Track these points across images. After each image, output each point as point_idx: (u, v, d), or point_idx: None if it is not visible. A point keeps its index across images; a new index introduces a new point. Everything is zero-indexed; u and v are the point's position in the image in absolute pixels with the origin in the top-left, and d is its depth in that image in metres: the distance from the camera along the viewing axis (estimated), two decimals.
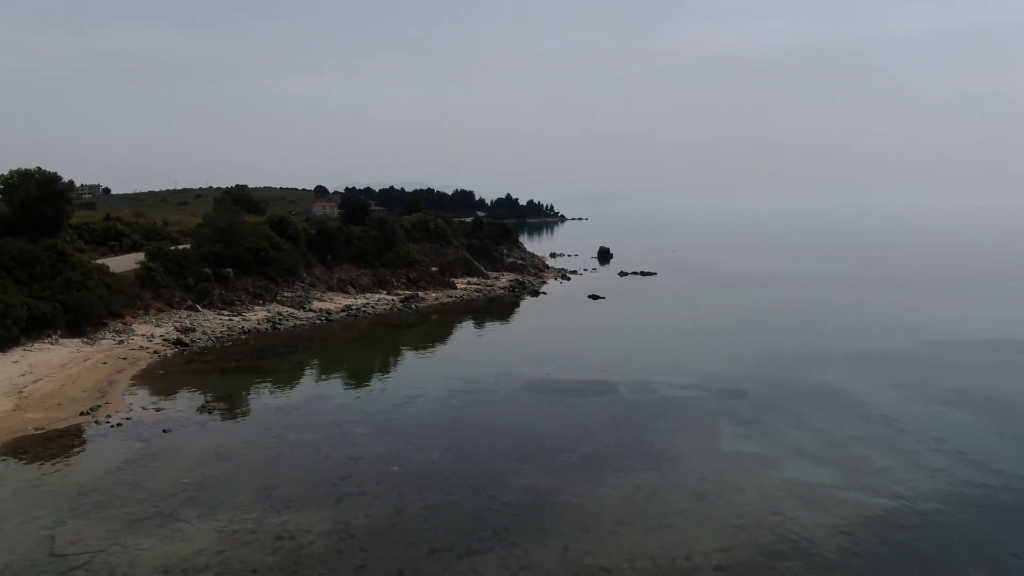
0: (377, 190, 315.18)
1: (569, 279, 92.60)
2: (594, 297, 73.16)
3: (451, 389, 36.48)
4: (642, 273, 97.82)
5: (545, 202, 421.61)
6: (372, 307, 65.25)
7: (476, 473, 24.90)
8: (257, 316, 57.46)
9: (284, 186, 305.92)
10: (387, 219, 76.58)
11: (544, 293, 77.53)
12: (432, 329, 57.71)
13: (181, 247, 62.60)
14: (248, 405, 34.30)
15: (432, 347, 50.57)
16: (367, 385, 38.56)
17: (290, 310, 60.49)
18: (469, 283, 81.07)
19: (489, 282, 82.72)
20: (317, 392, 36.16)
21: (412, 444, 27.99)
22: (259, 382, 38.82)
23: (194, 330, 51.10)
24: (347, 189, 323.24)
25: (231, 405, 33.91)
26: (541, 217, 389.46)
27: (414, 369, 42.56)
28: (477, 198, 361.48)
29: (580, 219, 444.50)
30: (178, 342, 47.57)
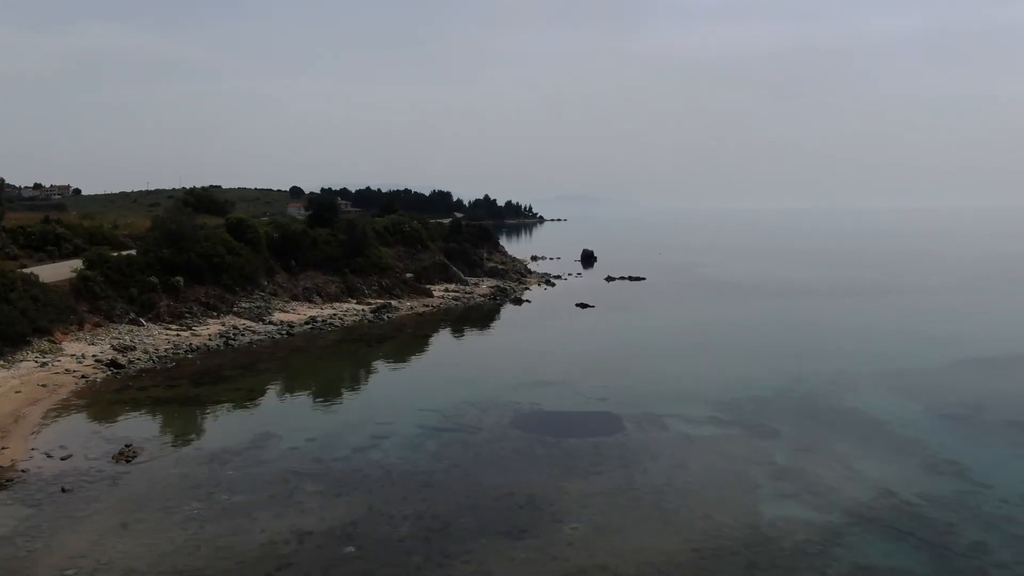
0: (354, 191, 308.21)
1: (554, 285, 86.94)
2: (582, 306, 67.51)
3: (425, 426, 30.62)
4: (630, 278, 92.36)
5: (523, 203, 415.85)
6: (340, 318, 59.20)
7: (456, 559, 19.05)
8: (209, 330, 51.28)
9: (260, 187, 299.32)
10: (357, 221, 70.51)
11: (528, 301, 71.78)
12: (405, 345, 51.74)
13: (126, 253, 56.24)
14: (178, 450, 28.20)
15: (405, 368, 44.63)
16: (326, 420, 32.47)
17: (247, 323, 54.32)
18: (447, 290, 75.21)
19: (468, 289, 76.87)
20: (265, 430, 30.11)
21: (375, 509, 22.10)
22: (198, 416, 32.77)
23: (134, 348, 44.89)
24: (323, 190, 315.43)
25: (156, 451, 27.81)
26: (519, 218, 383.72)
27: (383, 398, 36.54)
28: (455, 199, 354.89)
29: (559, 220, 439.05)
30: (112, 363, 41.34)
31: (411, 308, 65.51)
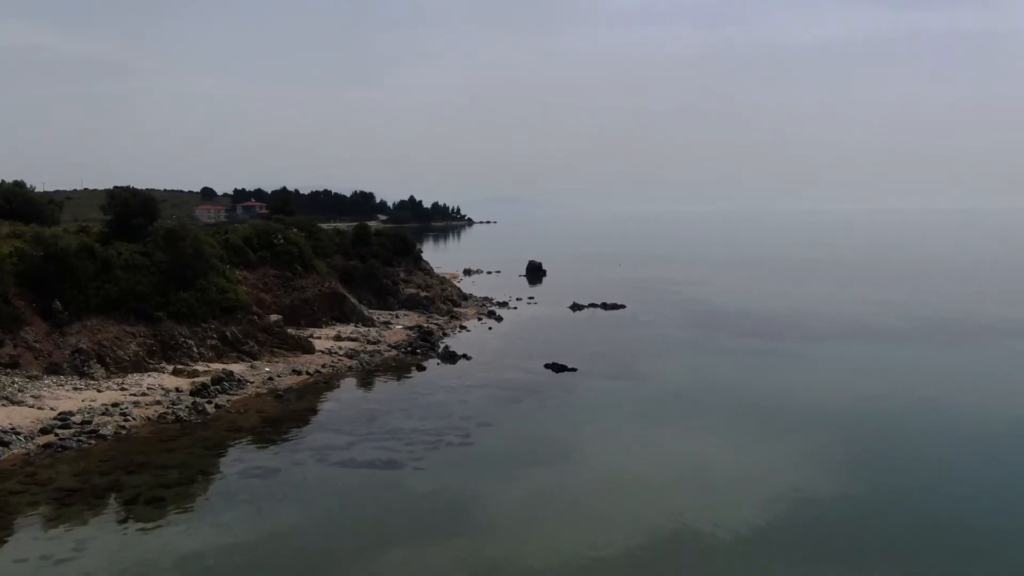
0: (269, 191, 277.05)
1: (500, 319, 60.78)
2: (556, 368, 41.75)
3: None
4: (604, 306, 67.12)
5: (451, 204, 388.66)
6: (124, 412, 32.13)
7: None
8: None
9: (173, 188, 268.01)
10: (185, 232, 43.00)
11: (466, 357, 45.30)
12: (201, 519, 24.67)
13: None
14: None
15: None
16: None
17: None
18: (339, 336, 48.54)
19: (374, 333, 50.29)
20: None
21: None
22: None
23: None
24: (235, 191, 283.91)
25: None
26: (447, 220, 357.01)
27: None
28: (378, 200, 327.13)
29: (489, 222, 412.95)
30: None
31: (269, 377, 38.66)
